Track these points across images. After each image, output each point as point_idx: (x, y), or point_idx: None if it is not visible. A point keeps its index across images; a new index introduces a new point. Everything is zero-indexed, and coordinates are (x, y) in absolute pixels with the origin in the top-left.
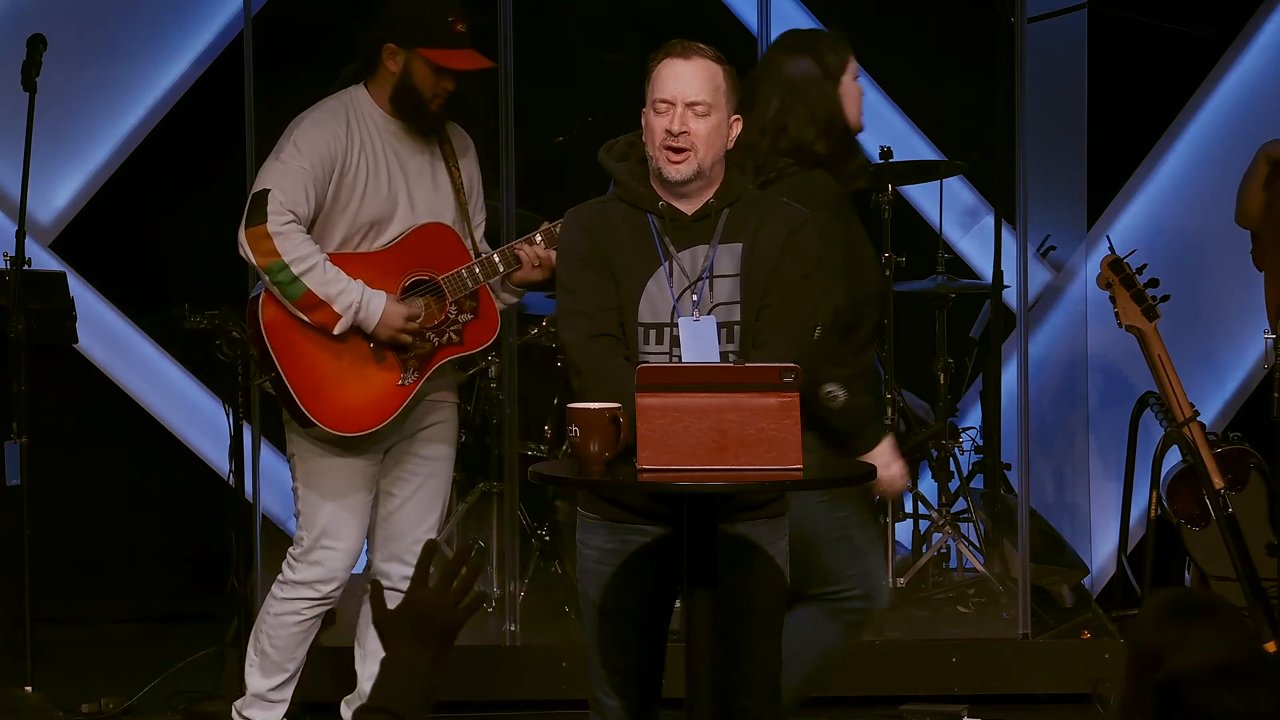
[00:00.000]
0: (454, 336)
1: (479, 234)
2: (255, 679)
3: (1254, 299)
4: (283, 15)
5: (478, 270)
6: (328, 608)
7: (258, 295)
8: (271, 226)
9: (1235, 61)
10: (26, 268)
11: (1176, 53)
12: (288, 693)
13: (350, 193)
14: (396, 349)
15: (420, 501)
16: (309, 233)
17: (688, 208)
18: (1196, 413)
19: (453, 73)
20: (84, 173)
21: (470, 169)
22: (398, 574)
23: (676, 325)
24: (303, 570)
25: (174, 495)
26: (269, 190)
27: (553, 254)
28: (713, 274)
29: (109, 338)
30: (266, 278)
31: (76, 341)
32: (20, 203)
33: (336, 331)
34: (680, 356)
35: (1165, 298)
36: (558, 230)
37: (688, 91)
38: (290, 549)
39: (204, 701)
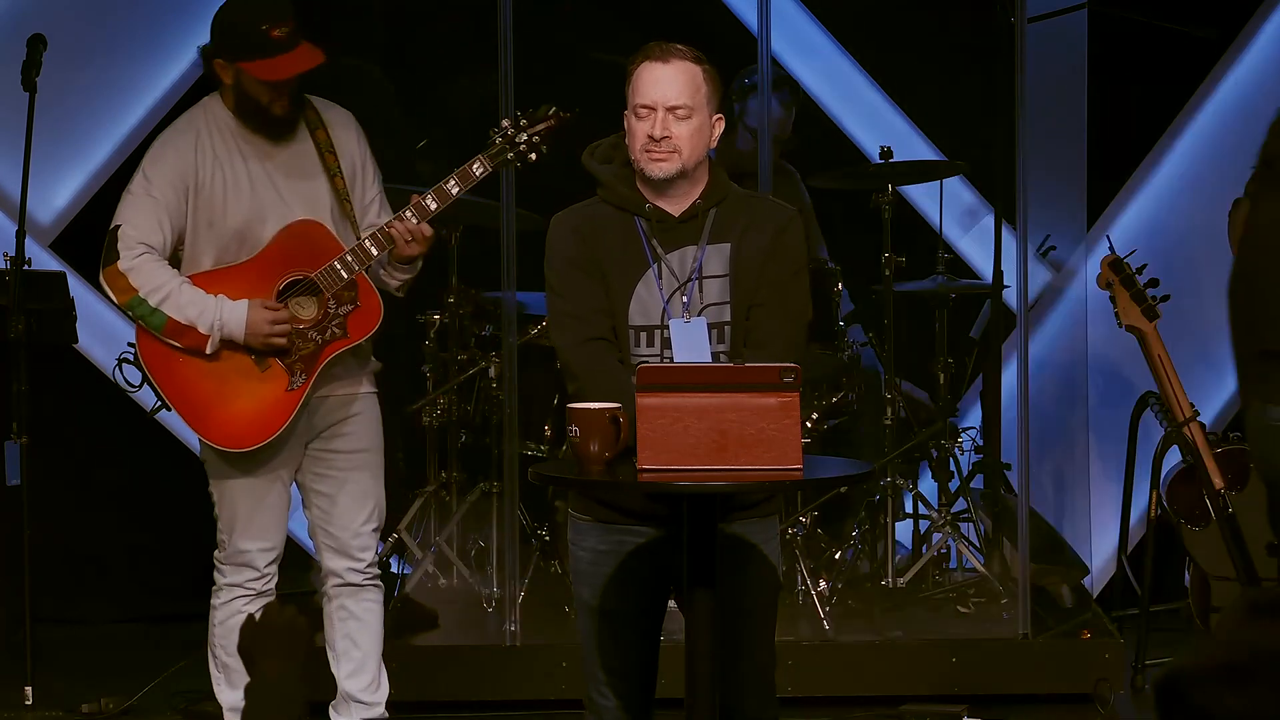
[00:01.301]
0: (337, 330)
1: (373, 211)
2: (225, 693)
3: None
4: None
5: (350, 259)
6: (267, 600)
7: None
8: (123, 264)
9: (1235, 61)
10: (26, 268)
11: (1176, 53)
12: None
13: (210, 206)
14: (278, 355)
15: (351, 497)
16: (181, 255)
17: (674, 209)
18: (1196, 413)
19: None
20: (84, 173)
21: (351, 150)
22: (344, 567)
23: (667, 327)
24: (231, 573)
25: (174, 495)
26: (119, 226)
27: (425, 227)
28: (702, 275)
29: (109, 338)
30: (130, 314)
31: (76, 341)
32: (20, 203)
33: (209, 351)
34: (671, 358)
35: (1165, 298)
36: (427, 201)
37: (668, 95)
38: (215, 553)
39: (204, 701)
